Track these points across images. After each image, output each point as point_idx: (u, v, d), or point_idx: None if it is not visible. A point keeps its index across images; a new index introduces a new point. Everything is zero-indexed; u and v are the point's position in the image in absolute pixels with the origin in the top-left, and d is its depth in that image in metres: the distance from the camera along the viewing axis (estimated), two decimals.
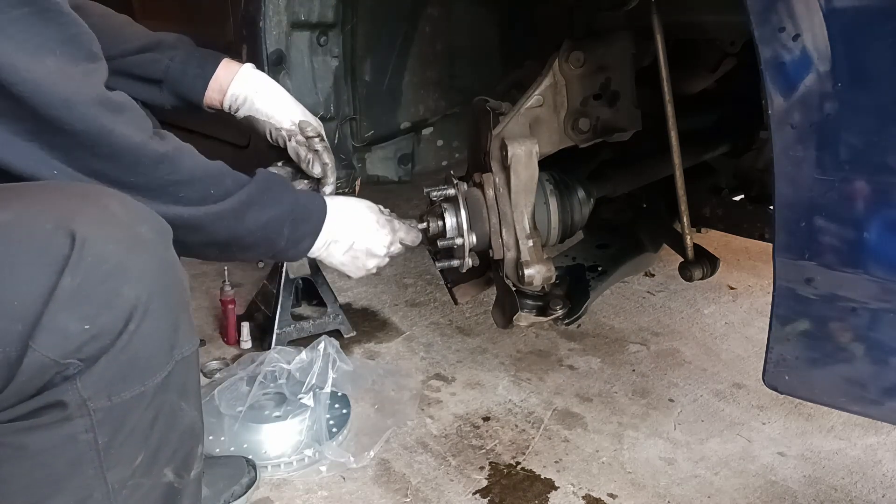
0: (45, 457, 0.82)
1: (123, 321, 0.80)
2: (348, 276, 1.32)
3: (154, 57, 1.27)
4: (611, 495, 1.50)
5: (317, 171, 1.30)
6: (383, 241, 1.29)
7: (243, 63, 1.33)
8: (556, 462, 1.59)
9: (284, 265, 2.03)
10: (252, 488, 1.48)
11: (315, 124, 1.32)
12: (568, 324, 1.49)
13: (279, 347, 1.86)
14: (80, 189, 0.89)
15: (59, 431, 0.81)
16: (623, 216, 1.77)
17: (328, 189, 1.32)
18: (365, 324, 2.20)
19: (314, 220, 1.20)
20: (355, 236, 1.25)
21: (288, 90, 1.59)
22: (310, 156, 1.29)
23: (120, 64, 1.25)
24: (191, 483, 0.96)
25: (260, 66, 1.65)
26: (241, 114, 1.32)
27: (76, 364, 0.79)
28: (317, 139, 1.30)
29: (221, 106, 1.32)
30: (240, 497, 1.45)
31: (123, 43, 1.26)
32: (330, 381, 1.68)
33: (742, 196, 1.80)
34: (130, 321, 0.81)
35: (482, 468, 1.58)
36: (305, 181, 1.33)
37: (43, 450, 0.82)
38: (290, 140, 1.30)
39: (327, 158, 1.30)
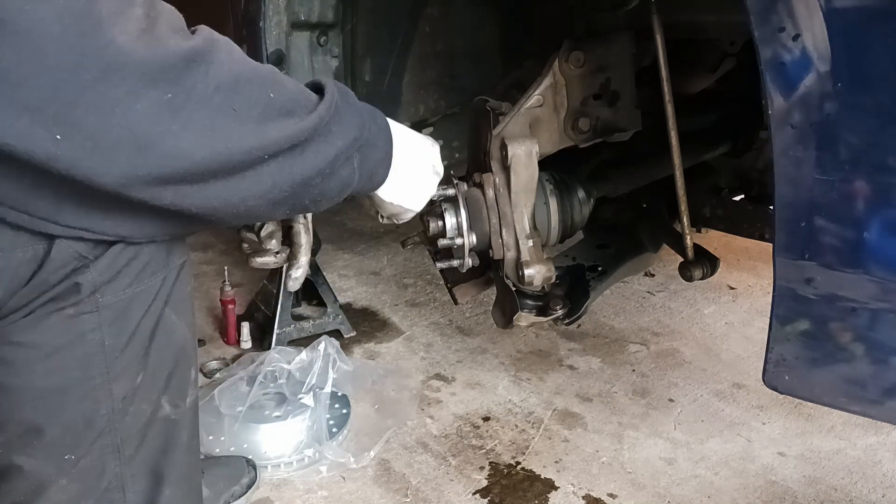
0: (55, 359, 0.84)
1: None
2: (397, 221, 1.15)
3: None
4: (611, 495, 1.50)
5: (269, 243, 1.15)
6: (435, 148, 1.14)
7: None
8: (556, 462, 1.59)
9: (283, 266, 2.02)
10: (252, 488, 1.48)
11: None
12: (568, 324, 1.49)
13: (279, 347, 1.86)
14: None
15: (70, 326, 0.84)
16: (623, 216, 1.77)
17: (296, 273, 1.17)
18: (365, 324, 2.20)
19: (382, 142, 1.00)
20: (419, 150, 1.09)
21: None
22: (268, 226, 1.16)
23: None
24: (187, 412, 0.98)
25: None
26: None
27: (90, 260, 0.82)
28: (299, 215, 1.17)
29: None
30: (240, 497, 1.46)
31: None
32: (330, 381, 1.68)
33: (742, 196, 1.80)
34: None
35: (482, 468, 1.58)
36: (273, 256, 1.18)
37: (54, 349, 0.84)
38: None
39: (303, 239, 1.17)
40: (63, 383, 0.86)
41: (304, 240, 1.17)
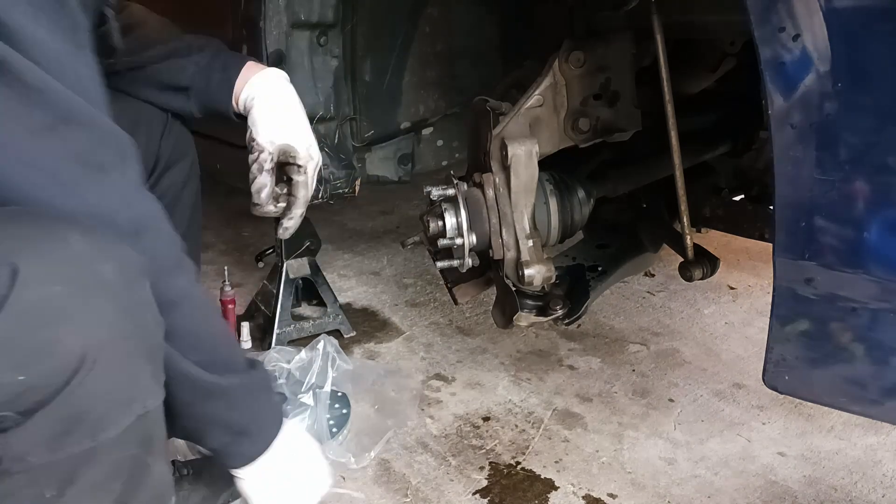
0: None
1: (65, 373, 0.71)
2: None
3: (180, 63, 1.19)
4: (611, 495, 1.50)
5: (259, 197, 1.15)
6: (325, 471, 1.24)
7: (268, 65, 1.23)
8: (556, 462, 1.59)
9: (284, 266, 2.03)
10: None
11: (301, 153, 1.17)
12: (568, 324, 1.49)
13: (279, 347, 1.86)
14: (42, 217, 0.76)
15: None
16: (623, 216, 1.77)
17: (288, 223, 1.17)
18: (365, 324, 2.20)
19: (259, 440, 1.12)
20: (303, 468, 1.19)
21: None
22: (259, 178, 1.16)
23: (149, 72, 1.20)
24: None
25: None
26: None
27: (13, 417, 0.71)
28: (296, 168, 1.16)
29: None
30: (239, 497, 1.45)
31: (152, 49, 1.19)
32: (330, 380, 1.68)
33: (742, 196, 1.80)
34: (76, 374, 0.72)
35: (482, 468, 1.58)
36: (272, 206, 1.20)
37: None
38: (253, 153, 1.17)
39: (300, 193, 1.16)
40: None
41: (302, 194, 1.18)
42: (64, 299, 0.72)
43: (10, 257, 0.69)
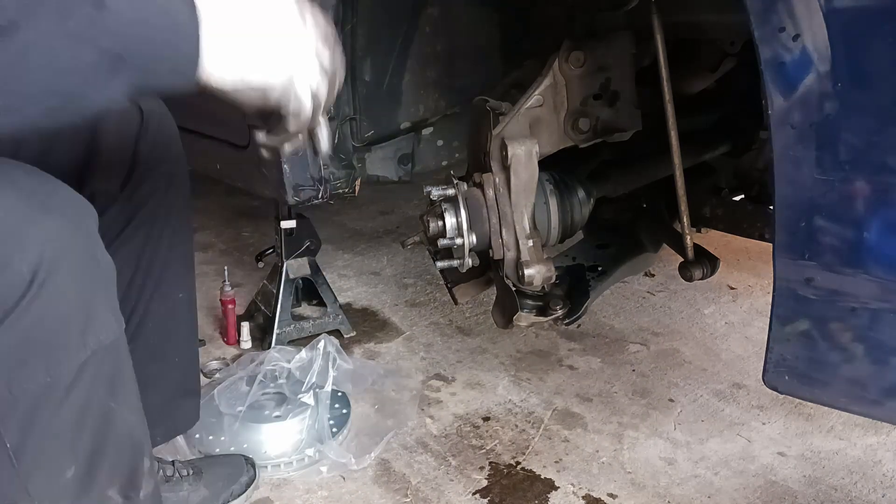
0: None
1: (14, 297, 0.70)
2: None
3: None
4: (611, 495, 1.50)
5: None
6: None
7: None
8: (556, 462, 1.59)
9: (284, 266, 2.03)
10: (251, 487, 1.48)
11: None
12: (568, 324, 1.49)
13: (279, 347, 1.86)
14: None
15: None
16: (623, 216, 1.77)
17: (322, 134, 0.92)
18: (365, 324, 2.20)
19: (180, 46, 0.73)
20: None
21: None
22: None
23: None
24: (143, 503, 0.87)
25: None
26: None
27: None
28: None
29: None
30: (239, 496, 1.45)
31: None
32: (330, 380, 1.68)
33: (742, 196, 1.80)
34: (23, 297, 0.70)
35: (482, 468, 1.58)
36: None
37: None
38: None
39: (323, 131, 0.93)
40: None
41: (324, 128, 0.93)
42: (13, 223, 0.70)
43: None
